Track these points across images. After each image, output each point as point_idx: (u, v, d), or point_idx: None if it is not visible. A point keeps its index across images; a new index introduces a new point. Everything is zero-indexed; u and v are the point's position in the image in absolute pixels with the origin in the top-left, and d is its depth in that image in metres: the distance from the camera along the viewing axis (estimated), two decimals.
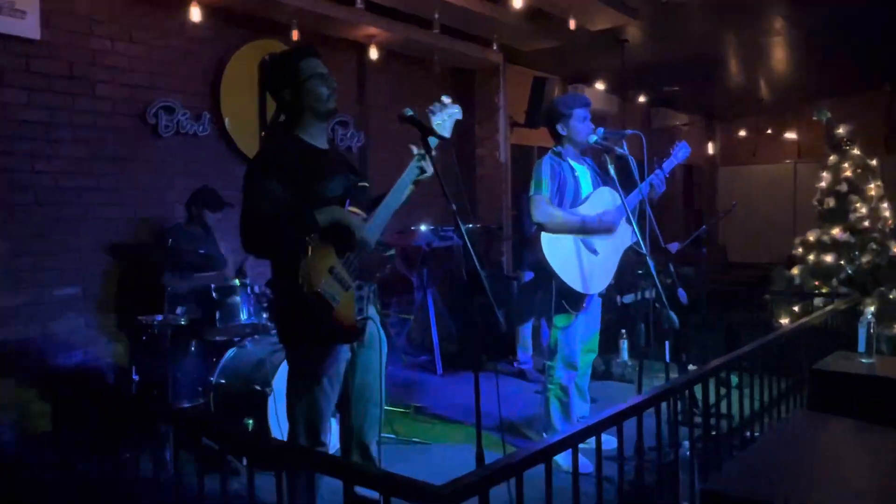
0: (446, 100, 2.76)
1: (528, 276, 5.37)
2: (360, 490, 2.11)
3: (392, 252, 2.79)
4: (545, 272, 3.58)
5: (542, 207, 3.57)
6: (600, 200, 3.70)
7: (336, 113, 2.84)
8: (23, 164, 4.33)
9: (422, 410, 4.72)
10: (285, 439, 3.13)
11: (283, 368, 3.60)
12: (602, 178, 3.79)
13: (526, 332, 5.69)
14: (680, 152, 3.83)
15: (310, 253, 2.45)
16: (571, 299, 3.58)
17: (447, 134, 2.71)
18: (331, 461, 2.07)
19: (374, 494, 1.80)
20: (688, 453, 2.80)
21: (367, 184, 2.78)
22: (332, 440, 3.03)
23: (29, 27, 4.31)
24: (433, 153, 2.57)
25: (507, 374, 5.62)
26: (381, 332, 2.81)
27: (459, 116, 2.81)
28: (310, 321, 2.48)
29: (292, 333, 2.63)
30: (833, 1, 5.69)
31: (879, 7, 5.78)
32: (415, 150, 2.64)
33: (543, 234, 3.56)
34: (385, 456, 2.96)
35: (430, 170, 2.62)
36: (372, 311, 2.72)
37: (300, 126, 2.68)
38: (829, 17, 6.16)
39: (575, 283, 3.55)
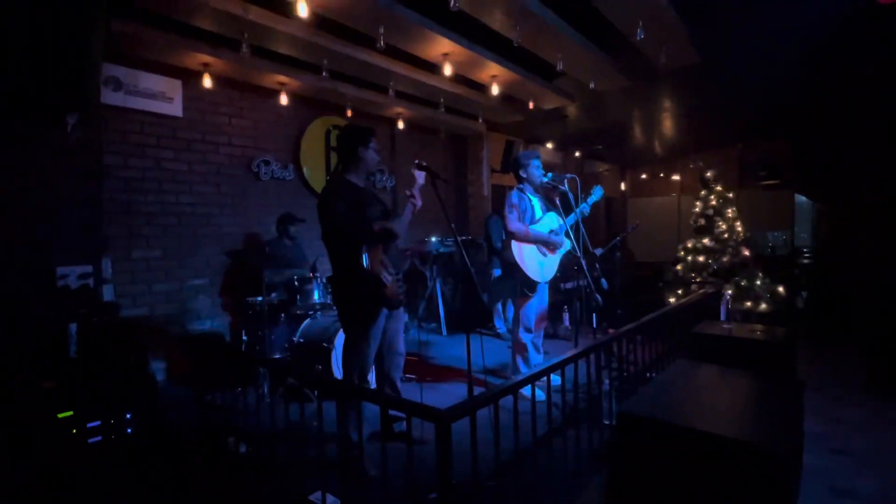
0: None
1: (496, 272, 5.39)
2: (392, 412, 2.10)
3: (408, 254, 2.79)
4: (512, 267, 3.58)
5: (515, 224, 3.57)
6: (549, 220, 3.70)
7: (375, 171, 2.87)
8: (172, 199, 4.36)
9: (432, 360, 4.72)
10: (342, 378, 3.14)
11: (342, 332, 3.62)
12: (549, 206, 3.79)
13: (499, 308, 5.68)
14: (597, 193, 3.76)
15: (371, 250, 2.51)
16: (529, 285, 3.58)
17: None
18: (372, 393, 2.07)
19: (401, 415, 1.80)
20: (608, 388, 2.80)
21: (389, 208, 2.83)
22: (371, 380, 3.04)
23: (175, 108, 4.35)
24: (440, 193, 2.61)
25: (488, 335, 5.62)
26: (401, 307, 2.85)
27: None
28: (370, 294, 2.52)
29: (355, 305, 2.61)
30: (703, 92, 5.69)
31: (733, 90, 5.79)
32: (407, 192, 2.71)
33: (513, 242, 3.56)
34: (406, 390, 2.97)
35: (418, 203, 2.69)
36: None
37: (354, 173, 2.72)
38: (700, 101, 6.17)
39: (534, 274, 3.55)
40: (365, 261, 2.49)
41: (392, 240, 2.60)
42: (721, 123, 7.51)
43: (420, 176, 2.73)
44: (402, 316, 2.85)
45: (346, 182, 2.70)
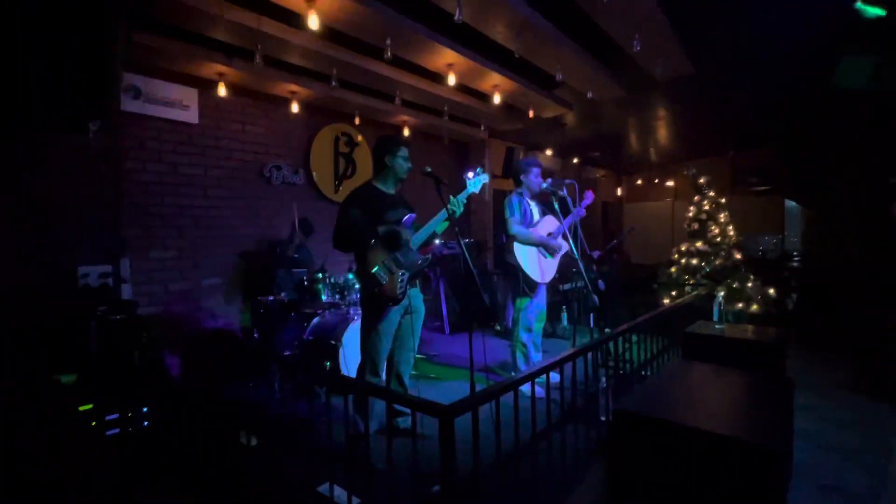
0: (480, 170, 2.81)
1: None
2: (398, 407, 2.09)
3: (428, 257, 2.75)
4: (513, 268, 3.58)
5: (515, 227, 3.58)
6: (547, 223, 3.71)
7: (405, 180, 2.83)
8: (187, 202, 4.37)
9: (435, 358, 4.72)
10: (351, 375, 3.14)
11: (349, 330, 3.62)
12: (546, 209, 3.78)
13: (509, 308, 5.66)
14: (587, 200, 3.72)
15: (370, 251, 2.56)
16: (530, 285, 3.59)
17: (476, 191, 2.76)
18: (378, 389, 2.08)
19: (406, 410, 1.80)
20: (605, 386, 2.79)
21: (414, 214, 2.83)
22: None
23: (191, 116, 4.36)
24: (449, 205, 2.60)
25: (490, 334, 5.61)
26: (422, 306, 2.85)
27: (487, 180, 2.85)
28: (369, 290, 2.57)
29: (364, 298, 2.67)
30: (695, 97, 5.68)
31: (725, 100, 5.78)
32: (450, 198, 2.62)
33: (515, 244, 3.56)
34: (411, 386, 2.97)
35: (459, 211, 2.64)
36: (415, 292, 2.78)
37: (380, 180, 2.76)
38: (693, 107, 6.16)
39: (535, 274, 3.55)
40: (369, 258, 2.53)
41: (395, 242, 2.60)
42: (714, 132, 7.50)
43: (471, 184, 2.70)
44: (420, 313, 2.82)
45: (371, 188, 2.74)
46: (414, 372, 4.02)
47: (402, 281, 2.62)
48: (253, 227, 4.84)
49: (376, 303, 2.61)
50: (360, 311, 3.29)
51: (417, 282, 2.82)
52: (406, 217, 2.73)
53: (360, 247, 2.58)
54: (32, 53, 2.10)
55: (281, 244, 4.51)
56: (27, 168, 3.21)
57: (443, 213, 2.68)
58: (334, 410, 2.72)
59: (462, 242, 2.29)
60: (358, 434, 2.50)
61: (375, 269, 2.55)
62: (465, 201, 2.65)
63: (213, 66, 4.13)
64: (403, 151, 2.77)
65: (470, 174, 2.75)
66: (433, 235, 2.76)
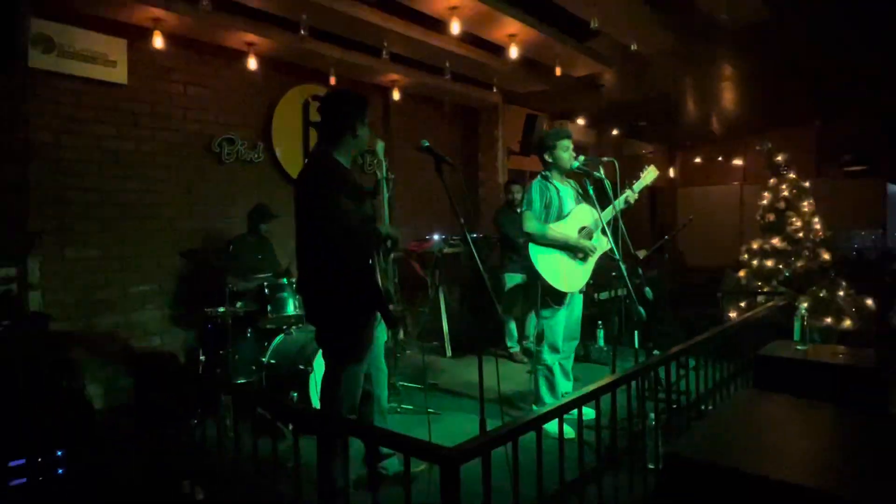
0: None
1: (510, 280, 5.38)
2: (384, 450, 2.10)
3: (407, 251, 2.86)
4: (533, 274, 3.58)
5: (532, 222, 3.58)
6: (581, 215, 3.70)
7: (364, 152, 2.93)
8: (114, 186, 4.38)
9: (434, 386, 4.72)
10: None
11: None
12: (582, 196, 3.78)
13: (511, 323, 5.67)
14: (648, 175, 3.77)
15: (375, 262, 2.56)
16: (554, 296, 3.59)
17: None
18: (360, 427, 2.07)
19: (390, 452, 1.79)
20: (653, 423, 2.78)
21: (374, 200, 2.88)
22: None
23: (119, 74, 4.36)
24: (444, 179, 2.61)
25: (502, 357, 5.61)
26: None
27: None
28: (372, 311, 2.57)
29: (350, 328, 2.59)
30: (772, 50, 5.66)
31: (811, 55, 5.76)
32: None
33: (531, 245, 3.57)
34: (403, 424, 2.97)
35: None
36: None
37: (340, 152, 2.71)
38: (769, 63, 6.14)
39: (557, 283, 3.55)
40: (377, 269, 2.54)
41: (387, 245, 2.64)
42: (796, 95, 7.48)
43: None
44: (383, 330, 2.92)
45: (338, 165, 2.68)
46: (409, 406, 4.03)
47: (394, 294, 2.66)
48: (199, 218, 4.85)
49: (367, 326, 2.61)
50: None
51: None
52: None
53: (369, 250, 2.54)
54: None
55: (235, 240, 4.51)
56: None
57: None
58: (304, 454, 2.72)
59: (469, 238, 2.29)
60: (334, 487, 2.49)
61: (384, 286, 2.55)
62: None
63: (146, 10, 4.12)
64: (367, 115, 2.78)
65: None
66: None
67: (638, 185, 3.68)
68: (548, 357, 3.64)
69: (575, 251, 3.62)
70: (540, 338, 3.68)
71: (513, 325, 5.66)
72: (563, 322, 3.69)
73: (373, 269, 2.52)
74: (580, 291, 3.80)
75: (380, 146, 3.07)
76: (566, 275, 3.60)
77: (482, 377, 2.17)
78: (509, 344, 5.66)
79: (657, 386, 2.95)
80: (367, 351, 2.64)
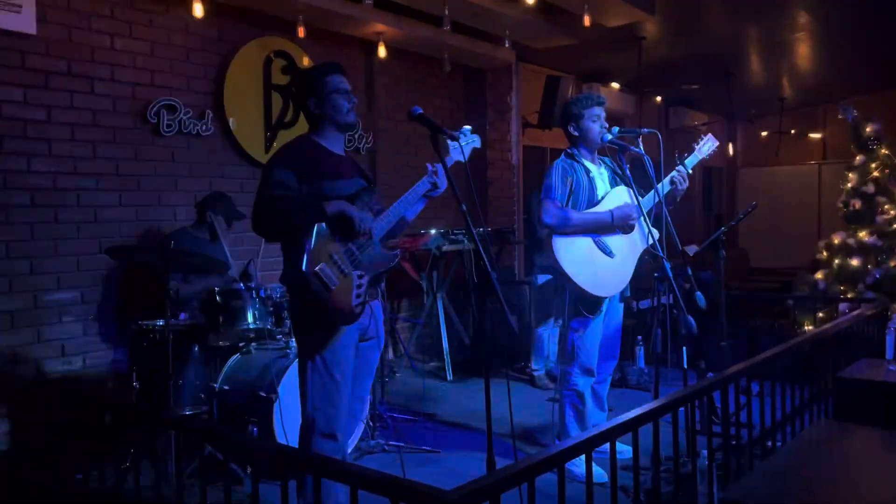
0: (467, 129, 3.03)
1: (541, 279, 5.38)
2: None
3: (397, 252, 2.95)
4: (559, 275, 3.59)
5: (552, 210, 3.59)
6: (617, 200, 3.69)
7: (355, 126, 3.00)
8: (19, 164, 4.35)
9: (432, 418, 4.73)
10: (293, 445, 3.16)
11: (290, 374, 3.63)
12: (619, 178, 3.79)
13: (542, 337, 5.67)
14: (705, 147, 3.76)
15: (314, 238, 2.63)
16: (587, 303, 3.59)
17: (464, 158, 2.92)
18: (339, 467, 2.08)
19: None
20: (706, 463, 2.80)
21: (374, 188, 2.99)
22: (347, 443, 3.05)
23: (24, 21, 4.30)
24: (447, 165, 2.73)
25: (517, 380, 5.62)
26: (383, 333, 2.97)
27: (478, 145, 3.08)
28: (309, 301, 2.64)
29: (300, 316, 2.79)
30: None
31: None
32: (430, 167, 2.96)
33: (555, 238, 3.57)
34: (396, 464, 2.98)
35: (443, 185, 2.92)
36: (378, 307, 2.90)
37: (320, 133, 2.90)
38: (856, 11, 6.14)
39: (589, 286, 3.55)
40: (305, 257, 2.60)
41: (349, 227, 2.68)
42: (890, 53, 7.48)
43: (454, 149, 2.97)
44: (377, 346, 2.97)
45: (310, 143, 2.87)
46: (401, 444, 4.04)
47: (359, 287, 2.67)
48: (131, 206, 4.85)
49: (319, 323, 2.68)
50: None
51: (380, 291, 2.93)
52: (362, 190, 2.84)
53: (295, 232, 2.64)
54: None
55: (178, 235, 4.51)
56: None
57: (420, 188, 2.95)
58: (266, 502, 2.73)
59: (475, 233, 2.30)
60: None
61: (319, 266, 2.58)
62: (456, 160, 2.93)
63: None
64: (341, 80, 2.87)
65: (457, 133, 2.96)
66: (402, 222, 2.99)
67: (691, 160, 3.68)
68: (578, 380, 3.65)
69: (613, 235, 3.62)
70: (569, 356, 3.68)
71: (543, 340, 5.66)
72: (599, 337, 3.69)
73: (302, 249, 2.62)
74: (622, 297, 3.80)
75: None
76: (601, 274, 3.60)
77: (489, 404, 2.19)
78: (534, 366, 5.67)
79: (711, 416, 2.97)
80: (328, 343, 2.70)
